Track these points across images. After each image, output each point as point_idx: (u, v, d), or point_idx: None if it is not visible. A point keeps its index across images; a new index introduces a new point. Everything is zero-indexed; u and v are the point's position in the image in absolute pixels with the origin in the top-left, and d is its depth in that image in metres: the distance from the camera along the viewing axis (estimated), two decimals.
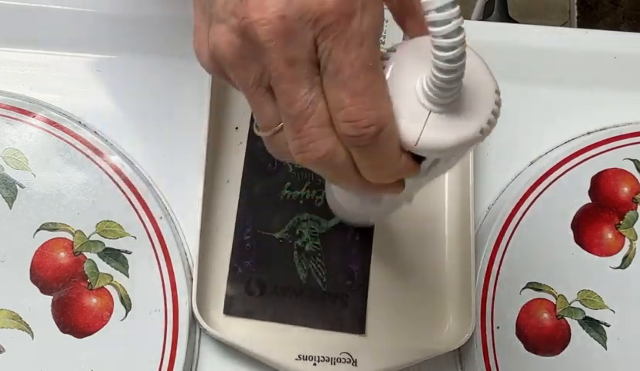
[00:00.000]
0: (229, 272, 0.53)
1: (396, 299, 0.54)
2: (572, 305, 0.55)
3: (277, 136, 0.34)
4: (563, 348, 0.54)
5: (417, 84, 0.32)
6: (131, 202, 0.53)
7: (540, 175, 0.57)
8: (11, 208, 0.52)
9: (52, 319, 0.50)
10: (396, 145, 0.33)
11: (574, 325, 0.54)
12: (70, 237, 0.52)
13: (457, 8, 0.29)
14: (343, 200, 0.48)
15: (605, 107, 0.60)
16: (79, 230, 0.52)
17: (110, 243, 0.52)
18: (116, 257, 0.52)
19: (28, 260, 0.51)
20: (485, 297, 0.53)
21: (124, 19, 0.57)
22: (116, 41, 0.57)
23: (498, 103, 0.33)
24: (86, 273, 0.51)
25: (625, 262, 0.56)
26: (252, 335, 0.52)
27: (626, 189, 0.57)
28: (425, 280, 0.55)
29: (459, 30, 0.29)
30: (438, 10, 0.29)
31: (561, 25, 1.44)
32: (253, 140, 0.55)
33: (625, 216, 0.57)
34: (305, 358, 0.50)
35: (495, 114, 0.33)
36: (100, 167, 0.53)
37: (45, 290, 0.51)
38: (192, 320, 0.51)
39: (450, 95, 0.32)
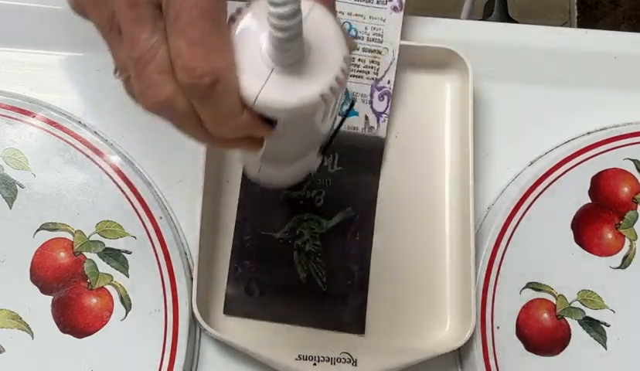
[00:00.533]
0: (229, 272, 0.53)
1: (396, 299, 0.54)
2: (572, 305, 0.55)
3: (129, 81, 0.34)
4: (563, 348, 0.54)
5: (262, 42, 0.32)
6: (131, 202, 0.53)
7: (540, 175, 0.56)
8: (11, 208, 0.52)
9: (52, 319, 0.50)
10: (235, 100, 0.32)
11: (574, 324, 0.54)
12: (70, 237, 0.52)
13: None
14: (245, 161, 0.47)
15: (605, 107, 0.60)
16: (79, 230, 0.52)
17: (110, 243, 0.52)
18: (116, 257, 0.52)
19: (28, 260, 0.51)
20: (485, 297, 0.53)
21: None
22: None
23: (344, 71, 0.33)
24: (86, 273, 0.51)
25: (625, 262, 0.56)
26: (252, 335, 0.52)
27: (626, 189, 0.57)
28: (425, 280, 0.55)
29: None
30: None
31: (561, 25, 1.44)
32: None
33: (625, 216, 0.57)
34: (305, 358, 0.50)
35: (340, 81, 0.33)
36: (100, 167, 0.53)
37: (45, 290, 0.51)
38: (192, 320, 0.51)
39: (288, 56, 0.31)
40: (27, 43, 0.56)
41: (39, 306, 0.50)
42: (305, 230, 0.54)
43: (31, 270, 0.51)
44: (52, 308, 0.50)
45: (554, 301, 0.54)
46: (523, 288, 0.54)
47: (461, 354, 0.54)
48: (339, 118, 0.43)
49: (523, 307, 0.54)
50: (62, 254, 0.51)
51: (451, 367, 0.54)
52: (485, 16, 1.24)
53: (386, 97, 0.57)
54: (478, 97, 0.58)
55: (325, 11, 0.33)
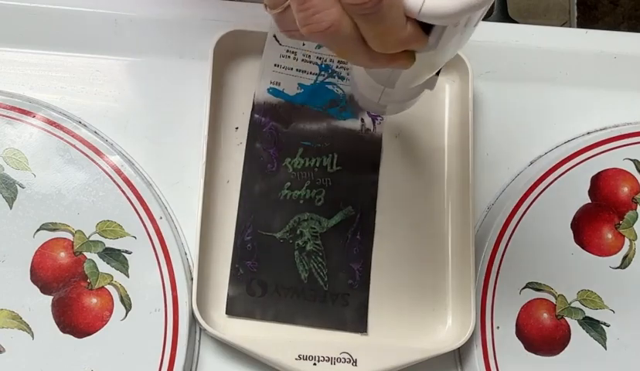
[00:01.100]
0: (231, 273, 0.53)
1: (396, 299, 0.54)
2: (572, 305, 0.55)
3: (285, 13, 0.34)
4: (562, 348, 0.54)
5: None
6: (131, 202, 0.53)
7: (540, 175, 0.57)
8: (11, 208, 0.52)
9: (52, 319, 0.50)
10: (400, 12, 0.33)
11: (574, 324, 0.54)
12: (70, 237, 0.52)
13: None
14: (362, 85, 0.47)
15: (605, 107, 0.60)
16: (79, 230, 0.52)
17: (110, 243, 0.52)
18: (116, 257, 0.52)
19: (28, 260, 0.51)
20: (485, 297, 0.53)
21: (124, 20, 0.57)
22: (116, 41, 0.57)
23: None
24: (87, 273, 0.51)
25: (625, 262, 0.56)
26: (252, 335, 0.52)
27: (626, 189, 0.57)
28: (425, 280, 0.55)
29: None
30: None
31: (561, 25, 1.44)
32: (252, 140, 0.55)
33: (625, 216, 0.57)
34: (305, 358, 0.50)
35: None
36: (100, 167, 0.53)
37: (45, 290, 0.51)
38: (192, 320, 0.51)
39: None
40: (27, 43, 0.56)
41: (39, 306, 0.50)
42: (306, 230, 0.54)
43: (31, 270, 0.51)
44: (52, 308, 0.50)
45: (554, 301, 0.54)
46: (523, 288, 0.54)
47: (461, 354, 0.54)
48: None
49: (523, 307, 0.54)
50: (63, 254, 0.51)
51: (450, 367, 0.54)
52: (485, 16, 1.24)
53: None
54: (478, 97, 0.58)
55: None
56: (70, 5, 0.57)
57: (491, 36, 0.61)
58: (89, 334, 0.50)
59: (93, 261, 0.51)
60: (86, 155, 0.53)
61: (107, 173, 0.53)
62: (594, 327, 0.54)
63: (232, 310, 0.52)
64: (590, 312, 0.54)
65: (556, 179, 0.57)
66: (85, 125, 0.55)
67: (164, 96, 0.57)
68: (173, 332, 0.50)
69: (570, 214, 0.56)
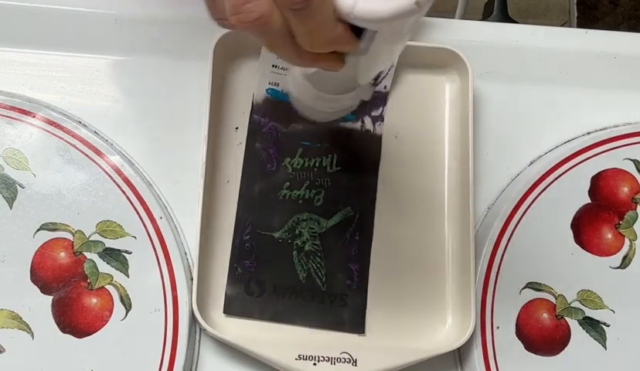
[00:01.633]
0: (229, 272, 0.53)
1: (395, 299, 0.54)
2: (572, 305, 0.55)
3: (216, 1, 0.34)
4: (562, 348, 0.54)
5: None
6: (131, 202, 0.53)
7: (540, 175, 0.57)
8: (11, 208, 0.52)
9: (52, 319, 0.50)
10: (330, 11, 0.33)
11: (574, 324, 0.54)
12: (70, 237, 0.52)
13: None
14: (300, 91, 0.47)
15: (605, 107, 0.60)
16: (79, 230, 0.52)
17: (110, 243, 0.52)
18: (116, 257, 0.52)
19: (28, 260, 0.51)
20: (485, 297, 0.53)
21: (124, 20, 0.57)
22: (116, 41, 0.57)
23: None
24: (87, 273, 0.51)
25: (625, 262, 0.56)
26: (252, 335, 0.52)
27: (626, 189, 0.57)
28: (425, 280, 0.55)
29: None
30: None
31: (561, 25, 1.44)
32: (252, 140, 0.55)
33: (625, 216, 0.57)
34: (305, 358, 0.50)
35: None
36: (100, 167, 0.53)
37: (45, 290, 0.51)
38: (192, 320, 0.51)
39: None
40: (27, 43, 0.56)
41: (39, 306, 0.50)
42: (305, 230, 0.54)
43: (31, 270, 0.51)
44: (52, 308, 0.50)
45: (554, 301, 0.54)
46: (523, 288, 0.54)
47: (461, 354, 0.54)
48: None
49: (523, 307, 0.54)
50: (63, 254, 0.51)
51: (450, 367, 0.54)
52: (485, 16, 1.24)
53: (381, 103, 0.57)
54: (477, 97, 0.58)
55: None
56: (70, 5, 0.57)
57: (491, 36, 0.61)
58: (89, 334, 0.50)
59: (93, 261, 0.51)
60: (86, 155, 0.53)
61: (107, 173, 0.53)
62: (594, 327, 0.54)
63: (230, 309, 0.52)
64: (590, 312, 0.54)
65: (556, 179, 0.57)
66: (85, 125, 0.55)
67: (164, 96, 0.57)
68: (173, 332, 0.50)
69: (570, 214, 0.56)
